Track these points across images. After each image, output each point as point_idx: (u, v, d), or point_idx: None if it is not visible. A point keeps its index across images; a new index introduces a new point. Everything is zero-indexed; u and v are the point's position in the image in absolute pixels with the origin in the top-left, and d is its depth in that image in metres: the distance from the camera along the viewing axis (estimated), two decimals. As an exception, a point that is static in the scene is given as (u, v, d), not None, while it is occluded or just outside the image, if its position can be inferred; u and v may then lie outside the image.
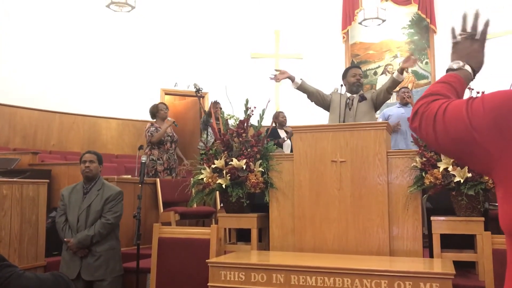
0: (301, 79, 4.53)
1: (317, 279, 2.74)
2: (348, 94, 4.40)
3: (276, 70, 4.60)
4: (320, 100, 4.46)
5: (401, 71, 4.14)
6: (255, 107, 4.00)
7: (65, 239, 3.61)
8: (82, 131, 8.44)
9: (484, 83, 2.63)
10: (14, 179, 4.06)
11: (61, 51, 8.26)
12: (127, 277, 3.89)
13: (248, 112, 4.00)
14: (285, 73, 4.51)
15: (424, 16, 8.87)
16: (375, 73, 9.49)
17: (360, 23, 8.04)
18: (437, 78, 9.10)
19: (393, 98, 7.41)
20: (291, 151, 6.46)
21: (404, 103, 6.24)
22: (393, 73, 4.41)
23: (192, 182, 3.85)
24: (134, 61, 8.76)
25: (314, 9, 9.38)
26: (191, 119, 8.70)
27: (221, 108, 6.90)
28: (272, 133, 6.70)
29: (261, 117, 3.98)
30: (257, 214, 3.73)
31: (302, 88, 4.50)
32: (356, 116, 4.19)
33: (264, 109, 3.96)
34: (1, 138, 7.62)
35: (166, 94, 8.99)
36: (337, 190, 3.50)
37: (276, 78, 4.54)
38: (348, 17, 9.23)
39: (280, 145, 6.53)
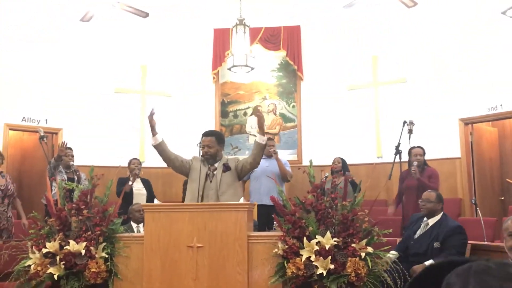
0: (162, 139, 4.03)
1: None
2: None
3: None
4: (179, 167, 4.00)
5: (261, 132, 3.90)
6: (102, 175, 3.44)
7: None
8: None
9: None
10: None
11: None
12: None
13: (93, 181, 3.42)
14: (153, 121, 3.97)
15: (292, 62, 9.00)
16: (245, 114, 9.38)
17: (229, 69, 7.84)
18: (303, 121, 9.28)
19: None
20: (147, 200, 5.87)
21: (268, 155, 6.12)
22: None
23: (15, 270, 3.12)
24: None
25: (184, 47, 9.02)
26: (41, 158, 7.65)
27: (72, 156, 6.14)
28: (121, 182, 6.02)
29: (108, 188, 3.42)
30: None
31: (160, 148, 3.99)
32: (219, 189, 3.78)
33: (111, 180, 3.42)
34: None
35: (10, 129, 7.80)
36: (192, 281, 3.07)
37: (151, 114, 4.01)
38: (218, 58, 9.02)
39: (129, 195, 5.83)
